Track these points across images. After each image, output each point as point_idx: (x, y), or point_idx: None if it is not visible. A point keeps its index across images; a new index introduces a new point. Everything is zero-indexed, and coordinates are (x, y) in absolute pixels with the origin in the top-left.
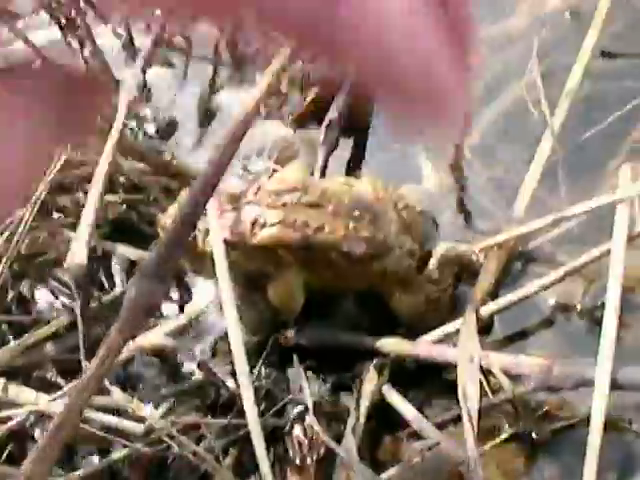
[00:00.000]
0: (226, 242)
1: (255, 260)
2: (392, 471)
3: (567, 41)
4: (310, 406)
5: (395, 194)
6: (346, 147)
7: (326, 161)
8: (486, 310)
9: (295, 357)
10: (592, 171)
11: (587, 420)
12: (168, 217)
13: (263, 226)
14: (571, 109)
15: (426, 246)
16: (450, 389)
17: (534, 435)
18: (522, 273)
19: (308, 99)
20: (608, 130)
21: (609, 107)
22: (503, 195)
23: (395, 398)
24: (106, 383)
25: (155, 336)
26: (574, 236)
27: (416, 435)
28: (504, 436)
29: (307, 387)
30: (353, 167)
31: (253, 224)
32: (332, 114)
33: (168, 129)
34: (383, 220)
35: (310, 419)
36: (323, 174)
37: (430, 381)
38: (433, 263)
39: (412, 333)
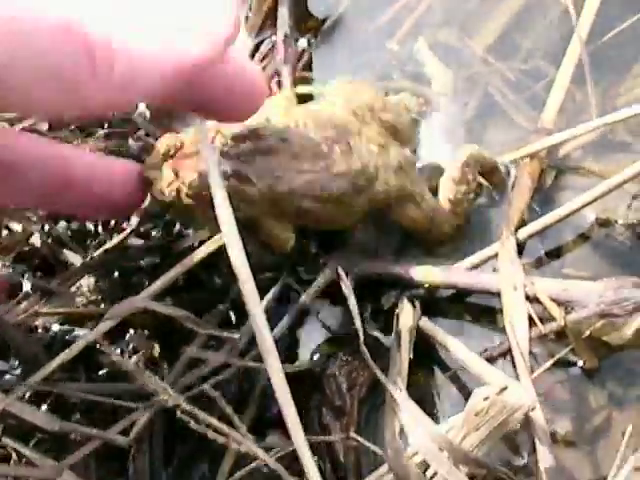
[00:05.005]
0: (187, 196)
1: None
2: (454, 420)
3: None
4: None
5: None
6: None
7: (294, 79)
8: (524, 232)
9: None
10: (621, 70)
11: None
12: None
13: None
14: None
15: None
16: (488, 318)
17: (581, 363)
18: (555, 186)
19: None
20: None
21: None
22: (526, 99)
23: (438, 334)
24: None
25: None
26: (607, 141)
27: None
28: (548, 364)
29: (358, 319)
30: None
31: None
32: (283, 26)
33: None
34: (359, 142)
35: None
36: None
37: (465, 309)
38: (457, 162)
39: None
